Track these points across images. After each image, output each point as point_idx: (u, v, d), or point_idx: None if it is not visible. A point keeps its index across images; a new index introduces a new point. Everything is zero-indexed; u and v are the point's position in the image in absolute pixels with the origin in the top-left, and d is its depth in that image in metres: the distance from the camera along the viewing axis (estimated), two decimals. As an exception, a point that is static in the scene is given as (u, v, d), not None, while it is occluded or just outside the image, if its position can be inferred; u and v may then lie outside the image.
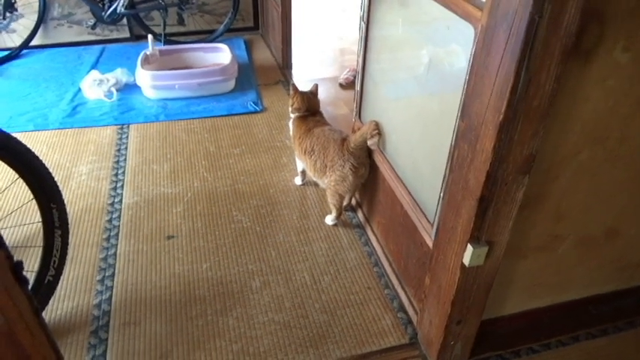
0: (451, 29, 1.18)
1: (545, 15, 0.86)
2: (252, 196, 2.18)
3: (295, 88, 2.04)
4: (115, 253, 1.86)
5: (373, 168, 1.83)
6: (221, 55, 3.18)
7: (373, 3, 1.62)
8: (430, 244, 1.41)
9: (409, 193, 1.53)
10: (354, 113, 1.93)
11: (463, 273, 1.23)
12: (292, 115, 2.07)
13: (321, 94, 2.11)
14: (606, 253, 1.48)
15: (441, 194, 1.30)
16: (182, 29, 3.72)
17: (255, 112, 2.84)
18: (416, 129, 1.47)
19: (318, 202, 2.15)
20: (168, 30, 3.56)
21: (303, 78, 3.32)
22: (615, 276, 1.57)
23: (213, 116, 2.79)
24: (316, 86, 2.09)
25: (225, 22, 3.67)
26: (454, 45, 1.19)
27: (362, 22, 1.70)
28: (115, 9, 3.27)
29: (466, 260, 1.18)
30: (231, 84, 3.03)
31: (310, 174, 2.02)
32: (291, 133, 2.12)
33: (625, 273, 1.58)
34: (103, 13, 3.32)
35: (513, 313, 1.55)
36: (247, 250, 1.89)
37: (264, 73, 3.35)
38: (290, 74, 3.33)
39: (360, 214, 2.07)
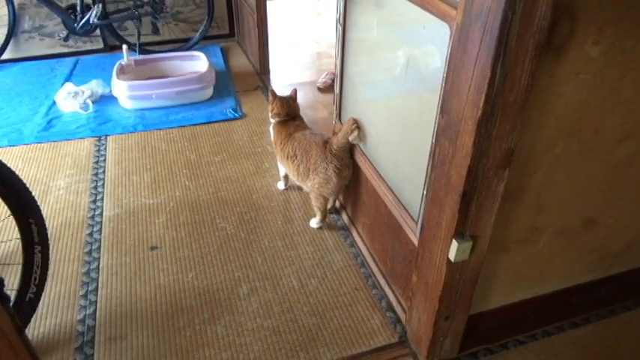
0: (427, 29, 1.20)
1: (517, 11, 0.88)
2: (235, 203, 2.17)
3: (274, 94, 2.04)
4: (97, 267, 1.83)
5: (356, 169, 1.84)
6: (198, 63, 3.17)
7: (349, 5, 1.64)
8: (415, 241, 1.42)
9: (392, 192, 1.54)
10: (334, 115, 1.94)
11: (449, 268, 1.24)
12: (272, 121, 2.07)
13: (300, 98, 2.12)
14: (585, 243, 1.52)
15: (424, 192, 1.32)
16: (157, 38, 3.69)
17: (235, 118, 2.83)
18: (396, 128, 1.48)
19: (302, 206, 2.15)
20: (143, 39, 3.53)
21: (281, 83, 3.32)
22: (595, 265, 1.61)
23: (193, 124, 2.77)
24: (295, 91, 2.09)
25: (200, 30, 3.65)
26: (430, 44, 1.21)
27: (338, 25, 1.72)
28: (88, 20, 3.22)
29: (452, 255, 1.20)
30: (209, 92, 3.01)
31: (293, 178, 2.02)
32: (272, 138, 2.12)
33: (604, 262, 1.62)
34: (76, 25, 3.27)
35: (498, 306, 1.57)
36: (233, 257, 1.88)
37: (242, 79, 3.34)
38: (268, 80, 3.33)
39: (344, 216, 2.07)
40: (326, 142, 1.83)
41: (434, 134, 1.22)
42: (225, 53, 3.70)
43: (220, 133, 2.70)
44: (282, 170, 2.16)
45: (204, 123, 2.79)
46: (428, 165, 1.27)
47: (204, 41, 3.72)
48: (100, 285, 1.76)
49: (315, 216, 2.02)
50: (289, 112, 2.05)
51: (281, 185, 2.23)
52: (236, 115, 2.85)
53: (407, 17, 1.31)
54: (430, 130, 1.24)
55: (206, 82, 2.95)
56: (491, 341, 1.57)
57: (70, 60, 3.53)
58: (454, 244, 1.18)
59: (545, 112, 1.13)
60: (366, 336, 1.58)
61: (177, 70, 3.19)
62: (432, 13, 1.15)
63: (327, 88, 3.21)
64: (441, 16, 1.11)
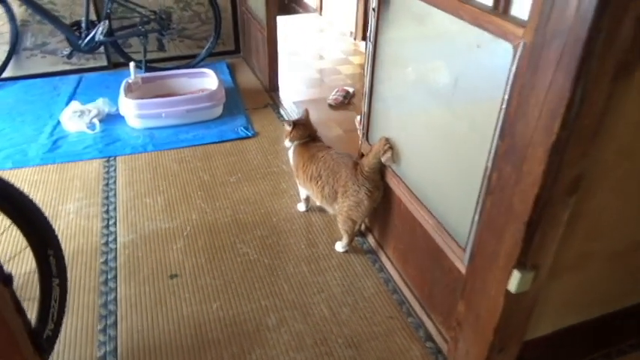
0: (482, 47, 1.14)
1: (603, 29, 0.82)
2: (255, 226, 2.08)
3: (290, 123, 1.98)
4: (115, 298, 1.73)
5: (387, 192, 1.76)
6: (207, 80, 3.10)
7: (382, 23, 1.58)
8: (462, 269, 1.34)
9: (433, 216, 1.47)
10: (361, 135, 1.88)
11: (507, 300, 1.16)
12: (291, 144, 2.00)
13: (312, 116, 2.06)
14: (632, 266, 1.45)
15: (475, 218, 1.24)
16: (163, 55, 3.61)
17: (247, 137, 2.76)
18: (439, 150, 1.41)
19: (325, 229, 2.07)
20: (149, 56, 3.45)
21: (290, 100, 3.26)
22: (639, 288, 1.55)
23: (204, 144, 2.69)
24: (307, 111, 2.03)
25: (207, 47, 3.59)
26: (486, 63, 1.14)
27: (369, 43, 1.66)
28: (94, 37, 3.14)
29: (512, 287, 1.12)
30: (220, 109, 2.94)
31: (317, 201, 1.95)
32: (291, 162, 2.05)
33: (652, 285, 1.55)
34: (80, 42, 3.19)
35: (544, 334, 1.49)
36: (258, 285, 1.79)
37: (251, 96, 3.27)
38: (277, 97, 3.26)
39: (370, 240, 1.99)
40: (356, 164, 1.76)
41: (489, 158, 1.15)
42: (231, 70, 3.64)
43: (233, 152, 2.62)
44: (304, 192, 2.08)
45: (216, 142, 2.71)
46: (481, 190, 1.20)
47: (210, 58, 3.65)
48: (119, 318, 1.65)
49: (341, 239, 1.94)
50: (309, 133, 1.99)
51: (302, 207, 2.15)
52: (248, 133, 2.77)
53: (455, 34, 1.25)
54: (483, 153, 1.17)
55: (216, 99, 2.88)
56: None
57: (74, 78, 3.44)
58: (516, 275, 1.11)
59: (608, 134, 1.07)
60: (406, 369, 1.50)
61: (186, 87, 3.11)
62: (489, 31, 1.09)
63: (339, 106, 3.16)
64: (502, 34, 1.05)
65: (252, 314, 1.67)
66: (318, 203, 1.96)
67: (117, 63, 3.61)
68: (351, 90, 3.27)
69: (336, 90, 3.25)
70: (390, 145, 1.65)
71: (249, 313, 1.68)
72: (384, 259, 1.89)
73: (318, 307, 1.70)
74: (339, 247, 1.94)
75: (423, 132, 1.49)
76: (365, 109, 1.80)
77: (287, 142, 2.01)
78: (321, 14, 5.02)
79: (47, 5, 3.21)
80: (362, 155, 1.82)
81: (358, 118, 2.83)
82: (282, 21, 4.86)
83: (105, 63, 3.60)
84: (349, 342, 1.58)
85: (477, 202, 1.23)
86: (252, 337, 1.59)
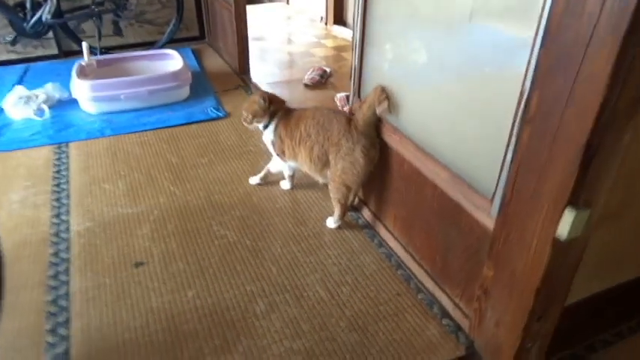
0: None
1: None
2: (233, 206, 1.82)
3: (264, 97, 1.70)
4: (67, 293, 1.43)
5: (385, 154, 1.54)
6: (170, 62, 2.82)
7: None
8: (489, 224, 1.13)
9: (447, 169, 1.25)
10: (352, 93, 1.65)
11: (555, 249, 0.95)
12: (268, 122, 1.72)
13: (288, 97, 1.86)
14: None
15: (507, 157, 1.03)
16: (120, 41, 3.32)
17: (218, 118, 2.49)
18: (453, 84, 1.20)
19: (314, 205, 1.83)
20: (105, 43, 3.15)
21: (263, 82, 3.02)
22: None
23: (170, 126, 2.41)
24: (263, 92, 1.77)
25: (168, 31, 3.32)
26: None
27: (359, -22, 1.44)
28: (40, 17, 2.82)
29: (563, 231, 0.91)
30: (186, 91, 2.67)
31: (305, 168, 1.70)
32: (271, 140, 1.76)
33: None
34: (25, 24, 2.86)
35: (579, 299, 1.29)
36: (240, 269, 1.53)
37: (220, 80, 3.01)
38: (249, 79, 3.02)
39: (366, 213, 1.76)
40: (349, 120, 1.54)
41: (526, 78, 0.94)
42: (197, 55, 3.37)
43: (203, 134, 2.35)
44: (289, 168, 1.84)
45: (183, 124, 2.43)
46: (514, 122, 0.99)
47: (172, 44, 3.37)
48: (72, 315, 1.36)
49: (332, 214, 1.70)
50: (284, 104, 1.76)
51: (286, 185, 1.90)
52: (219, 114, 2.51)
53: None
54: (516, 75, 0.96)
55: (182, 79, 2.61)
56: (574, 344, 1.29)
57: (19, 67, 3.10)
58: (568, 215, 0.90)
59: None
60: (424, 350, 1.27)
61: (147, 71, 2.82)
62: None
63: (316, 85, 2.94)
64: None
65: (236, 301, 1.41)
66: (307, 171, 1.71)
67: (69, 51, 3.28)
68: (328, 69, 3.06)
69: (311, 69, 3.04)
70: (386, 95, 1.43)
71: (233, 300, 1.41)
72: (383, 232, 1.66)
73: (313, 289, 1.46)
74: (331, 222, 1.70)
75: (430, 70, 1.28)
76: (356, 62, 1.58)
77: (262, 122, 1.72)
78: (288, 3, 4.81)
79: (-15, -16, 2.87)
80: (352, 115, 1.59)
81: (339, 95, 2.61)
82: (248, 10, 4.63)
83: (55, 51, 3.27)
84: (353, 325, 1.34)
85: (509, 139, 1.02)
86: (238, 326, 1.33)
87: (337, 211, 1.66)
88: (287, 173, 1.88)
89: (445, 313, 1.37)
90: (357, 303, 1.41)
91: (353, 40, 1.55)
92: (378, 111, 1.46)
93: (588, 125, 0.82)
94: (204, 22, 3.61)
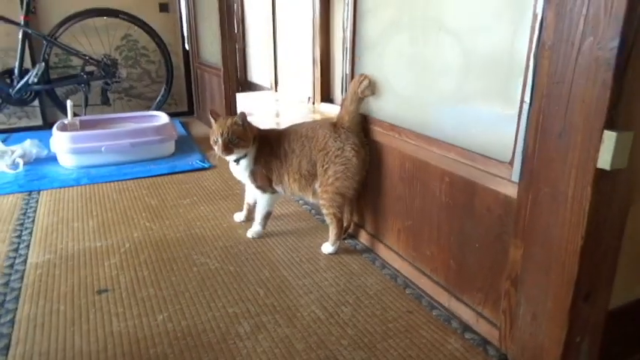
0: None
1: None
2: (216, 238, 1.63)
3: (241, 117, 1.49)
4: (12, 320, 1.19)
5: (381, 159, 1.42)
6: (156, 123, 2.76)
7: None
8: (511, 191, 0.97)
9: (456, 146, 1.12)
10: (343, 90, 1.57)
11: (599, 185, 0.80)
12: (251, 152, 1.52)
13: None
14: None
15: (524, 106, 0.92)
16: (107, 111, 3.29)
17: (204, 169, 2.38)
18: (448, 59, 1.12)
19: (305, 235, 1.65)
20: (91, 111, 3.13)
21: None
22: None
23: (152, 176, 2.28)
24: (243, 114, 1.52)
25: (157, 100, 3.33)
26: None
27: (348, -15, 1.43)
28: (27, 82, 2.81)
29: (606, 157, 0.76)
30: (171, 146, 2.58)
31: (295, 188, 1.52)
32: (246, 171, 1.55)
33: None
34: (11, 90, 2.84)
35: (625, 302, 1.09)
36: (222, 293, 1.30)
37: (207, 143, 2.91)
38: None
39: (363, 237, 1.58)
40: (333, 123, 1.44)
41: (536, 3, 0.86)
42: (185, 126, 3.35)
43: (187, 181, 2.22)
44: (265, 207, 1.61)
45: (167, 174, 2.30)
46: (529, 56, 0.89)
47: (160, 115, 3.36)
48: (12, 342, 1.11)
49: (326, 241, 1.52)
50: (257, 131, 1.56)
51: (258, 227, 1.62)
52: (204, 165, 2.40)
53: None
54: (521, 23, 0.89)
55: (167, 134, 2.53)
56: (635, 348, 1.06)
57: (0, 136, 3.02)
58: (608, 138, 0.76)
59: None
60: (447, 366, 1.02)
61: (132, 131, 2.75)
62: None
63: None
64: None
65: (215, 323, 1.17)
66: (296, 191, 1.54)
67: (54, 122, 3.23)
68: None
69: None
70: (365, 76, 1.37)
71: (211, 322, 1.18)
72: (385, 253, 1.47)
73: (308, 309, 1.23)
74: (327, 247, 1.51)
75: (427, 54, 1.21)
76: (347, 69, 1.52)
77: (244, 147, 1.48)
78: (276, 91, 4.98)
79: (-24, 53, 2.90)
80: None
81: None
82: (236, 98, 4.76)
83: (39, 122, 3.23)
84: (357, 343, 1.10)
85: (524, 79, 0.91)
86: (216, 348, 1.08)
87: (334, 229, 1.48)
88: (262, 211, 1.61)
89: (467, 327, 1.15)
90: (360, 322, 1.18)
91: (344, 46, 1.50)
92: (359, 92, 1.38)
93: (618, 25, 0.72)
94: (194, 97, 3.65)
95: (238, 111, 3.02)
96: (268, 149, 1.54)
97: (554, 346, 0.92)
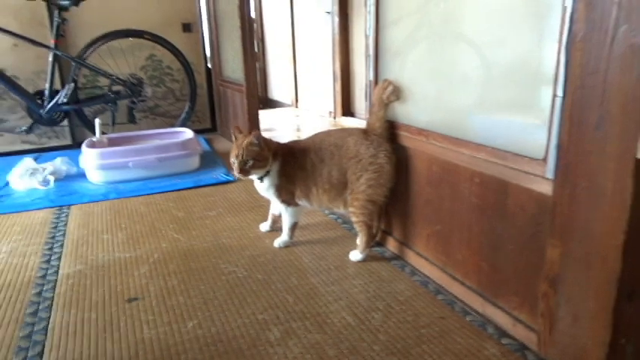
0: None
1: None
2: (243, 248, 1.63)
3: (257, 136, 1.47)
4: (45, 328, 1.20)
5: (407, 165, 1.41)
6: (182, 140, 2.81)
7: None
8: (546, 189, 0.95)
9: (484, 146, 1.11)
10: (366, 97, 1.57)
11: (638, 177, 0.77)
12: (274, 168, 1.51)
13: None
14: None
15: (556, 100, 0.90)
16: (133, 129, 3.35)
17: (228, 182, 2.40)
18: (474, 60, 1.11)
19: (333, 244, 1.63)
20: (118, 130, 3.20)
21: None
22: None
23: (178, 190, 2.30)
24: (258, 133, 1.51)
25: (182, 118, 3.39)
26: None
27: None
28: (57, 102, 2.90)
29: (647, 147, 0.74)
30: (196, 160, 2.61)
31: (324, 199, 1.50)
32: (272, 186, 1.53)
33: None
34: (42, 111, 2.93)
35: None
36: (251, 300, 1.30)
37: (231, 157, 2.97)
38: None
39: (391, 245, 1.56)
40: (364, 130, 1.43)
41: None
42: (209, 142, 3.39)
43: (213, 194, 2.24)
44: (290, 219, 1.60)
45: (192, 187, 2.33)
46: (561, 45, 0.88)
47: (184, 132, 3.42)
48: (46, 348, 1.12)
49: (354, 249, 1.51)
50: (277, 146, 1.56)
51: (285, 237, 1.62)
52: (229, 178, 2.42)
53: None
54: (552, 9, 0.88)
55: (192, 148, 2.57)
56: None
57: (31, 155, 3.10)
58: (649, 125, 0.74)
59: None
60: (485, 371, 0.99)
61: (158, 147, 2.80)
62: None
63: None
64: None
65: (245, 329, 1.17)
66: (325, 203, 1.52)
67: (82, 142, 3.32)
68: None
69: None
70: (389, 82, 1.38)
71: (241, 329, 1.17)
72: (414, 260, 1.44)
73: (339, 315, 1.21)
74: (356, 255, 1.50)
75: (455, 57, 1.20)
76: (371, 75, 1.52)
77: (263, 167, 1.48)
78: (297, 106, 5.02)
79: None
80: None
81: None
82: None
83: (69, 141, 3.31)
84: (390, 349, 1.07)
85: (556, 73, 0.90)
86: (247, 354, 1.07)
87: (364, 237, 1.46)
88: (288, 223, 1.60)
89: (503, 333, 1.11)
90: (392, 328, 1.15)
91: (366, 53, 1.51)
92: (384, 97, 1.38)
93: (655, 9, 0.71)
94: (217, 114, 3.71)
95: (261, 126, 3.08)
96: (292, 162, 1.52)
97: (598, 349, 0.88)
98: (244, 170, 1.46)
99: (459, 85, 1.19)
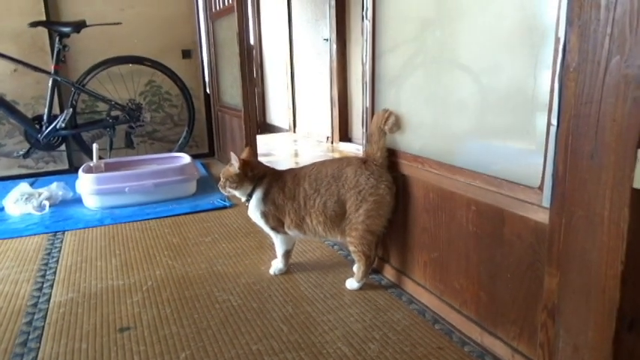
0: None
1: None
2: (238, 275, 1.61)
3: (237, 160, 1.51)
4: (34, 359, 1.17)
5: (404, 191, 1.40)
6: (179, 164, 2.81)
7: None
8: (542, 217, 0.94)
9: (481, 174, 1.10)
10: (363, 123, 1.57)
11: (636, 205, 0.77)
12: (258, 192, 1.53)
13: None
14: None
15: (551, 128, 0.90)
16: (131, 154, 3.36)
17: (225, 207, 2.39)
18: (470, 87, 1.12)
19: (329, 271, 1.61)
20: (116, 154, 3.20)
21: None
22: None
23: (173, 215, 2.29)
24: (249, 149, 1.68)
25: (179, 143, 3.40)
26: None
27: (366, 21, 1.47)
28: (55, 127, 2.91)
29: (643, 177, 0.74)
30: (193, 186, 2.60)
31: (319, 230, 1.47)
32: (260, 211, 1.54)
33: None
34: (40, 135, 2.93)
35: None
36: (245, 330, 1.27)
37: (228, 182, 2.96)
38: (257, 179, 2.97)
39: (388, 272, 1.54)
40: (364, 160, 1.42)
41: (558, 26, 0.87)
42: (206, 167, 3.39)
43: (209, 220, 2.22)
44: (283, 242, 1.59)
45: (188, 213, 2.32)
46: (555, 75, 0.89)
47: (182, 157, 3.42)
48: (34, 381, 1.09)
49: (352, 276, 1.49)
50: (266, 169, 1.59)
51: (278, 265, 1.60)
52: (226, 204, 2.41)
53: None
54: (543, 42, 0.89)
55: (189, 173, 2.57)
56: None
57: (28, 180, 3.09)
58: (644, 155, 0.74)
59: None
60: (484, 404, 0.96)
61: (155, 172, 2.79)
62: None
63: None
64: None
65: (239, 360, 1.14)
66: (320, 233, 1.48)
67: (80, 167, 3.31)
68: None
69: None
70: (389, 112, 1.38)
71: (234, 359, 1.14)
72: (411, 288, 1.42)
73: (334, 346, 1.19)
74: (353, 283, 1.48)
75: (450, 87, 1.21)
76: (367, 102, 1.53)
77: (239, 189, 1.53)
78: (295, 132, 5.05)
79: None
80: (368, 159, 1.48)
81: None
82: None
83: (66, 166, 3.31)
84: (388, 380, 1.05)
85: (550, 101, 0.90)
86: (241, 386, 1.05)
87: (362, 266, 1.44)
88: (280, 250, 1.59)
89: (502, 363, 1.09)
90: (389, 359, 1.13)
91: (363, 79, 1.52)
92: (386, 129, 1.38)
93: (646, 40, 0.71)
94: (215, 139, 3.72)
95: (259, 151, 3.08)
96: (280, 190, 1.51)
97: (599, 382, 0.86)
98: (221, 185, 1.58)
99: (455, 112, 1.20)
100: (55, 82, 2.95)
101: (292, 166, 1.87)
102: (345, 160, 1.47)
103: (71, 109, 2.93)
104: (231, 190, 1.55)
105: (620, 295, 0.80)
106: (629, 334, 0.84)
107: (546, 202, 0.93)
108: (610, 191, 0.79)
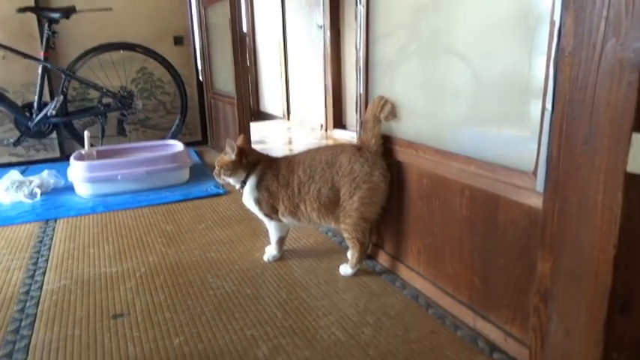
0: None
1: None
2: (232, 262, 1.61)
3: (233, 147, 1.50)
4: (27, 345, 1.17)
5: (399, 178, 1.40)
6: (172, 151, 2.79)
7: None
8: (536, 202, 0.95)
9: (474, 159, 1.10)
10: (357, 110, 1.56)
11: (629, 190, 0.77)
12: (252, 179, 1.52)
13: None
14: None
15: (545, 114, 0.90)
16: (123, 141, 3.33)
17: (218, 195, 2.38)
18: (464, 72, 1.12)
19: (323, 257, 1.62)
20: (107, 142, 3.17)
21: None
22: None
23: (167, 202, 2.28)
24: (243, 136, 1.69)
25: (172, 130, 3.37)
26: None
27: (360, 6, 1.45)
28: (46, 114, 2.87)
29: (636, 161, 0.74)
30: (186, 173, 2.59)
31: (312, 219, 1.48)
32: (254, 199, 1.54)
33: None
34: (30, 123, 2.90)
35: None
36: (239, 315, 1.27)
37: (221, 169, 2.95)
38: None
39: (382, 258, 1.55)
40: (358, 147, 1.41)
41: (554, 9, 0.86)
42: (199, 155, 3.37)
43: (202, 207, 2.21)
44: (277, 229, 1.59)
45: (181, 200, 2.30)
46: (550, 59, 0.88)
47: (175, 144, 3.40)
48: (27, 367, 1.09)
49: (346, 262, 1.49)
50: (260, 155, 1.58)
51: (272, 252, 1.60)
52: (219, 191, 2.40)
53: None
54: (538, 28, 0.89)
55: (181, 161, 2.55)
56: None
57: (19, 168, 3.06)
58: (638, 139, 0.74)
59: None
60: (477, 387, 0.97)
61: (147, 160, 2.77)
62: None
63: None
64: None
65: (233, 346, 1.14)
66: (314, 220, 1.48)
67: (71, 154, 3.28)
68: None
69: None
70: (385, 100, 1.37)
71: (229, 345, 1.14)
72: (405, 273, 1.43)
73: (328, 331, 1.19)
74: (347, 269, 1.48)
75: (447, 73, 1.21)
76: (361, 89, 1.52)
77: (234, 177, 1.52)
78: (288, 119, 5.02)
79: (-2, 88, 2.98)
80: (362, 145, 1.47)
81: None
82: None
83: (57, 154, 3.28)
84: (381, 364, 1.06)
85: (545, 86, 0.90)
86: (235, 371, 1.05)
87: (356, 253, 1.44)
88: (274, 237, 1.59)
89: (494, 347, 1.10)
90: (382, 343, 1.14)
91: (357, 66, 1.51)
92: (382, 117, 1.37)
93: (641, 23, 0.71)
94: (208, 126, 3.70)
95: (252, 139, 3.07)
96: (274, 177, 1.50)
97: (591, 363, 0.87)
98: (216, 174, 1.55)
99: (449, 98, 1.19)
100: (44, 69, 2.91)
101: (286, 153, 1.86)
102: (340, 147, 1.46)
103: (62, 97, 2.90)
104: (225, 177, 1.54)
105: (612, 279, 0.81)
106: (621, 317, 0.85)
107: (540, 186, 0.93)
108: (604, 176, 0.79)
